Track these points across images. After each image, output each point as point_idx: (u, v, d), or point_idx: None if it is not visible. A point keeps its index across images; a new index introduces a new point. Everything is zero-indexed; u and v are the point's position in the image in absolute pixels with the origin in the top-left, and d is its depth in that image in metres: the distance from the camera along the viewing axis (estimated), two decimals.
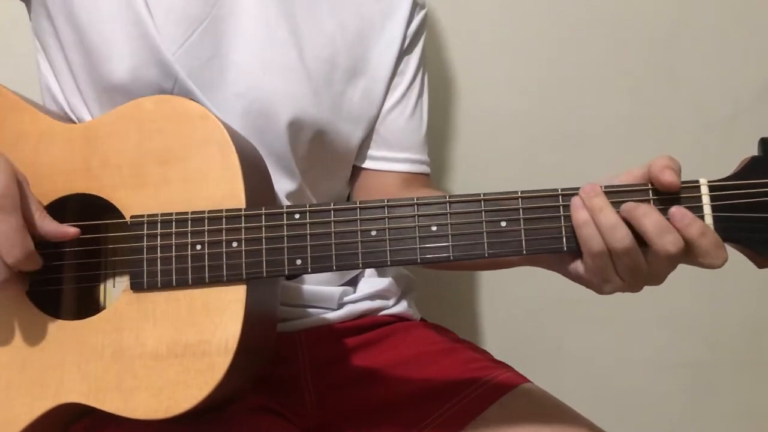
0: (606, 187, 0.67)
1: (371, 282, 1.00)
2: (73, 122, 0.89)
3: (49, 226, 0.73)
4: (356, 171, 1.00)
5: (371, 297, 0.99)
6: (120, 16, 0.84)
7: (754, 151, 1.33)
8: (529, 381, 0.93)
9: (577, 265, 0.69)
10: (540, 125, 1.34)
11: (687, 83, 1.34)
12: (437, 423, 0.88)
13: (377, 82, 0.95)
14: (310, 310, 0.95)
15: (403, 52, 0.97)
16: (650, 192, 0.66)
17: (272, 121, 0.87)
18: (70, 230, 0.74)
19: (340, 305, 0.97)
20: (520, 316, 1.36)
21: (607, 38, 1.33)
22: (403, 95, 0.97)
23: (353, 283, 1.00)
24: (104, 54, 0.84)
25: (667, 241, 0.63)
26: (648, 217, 0.64)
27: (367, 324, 0.98)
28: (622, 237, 0.64)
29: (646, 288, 1.31)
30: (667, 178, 0.65)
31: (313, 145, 0.91)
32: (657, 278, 0.67)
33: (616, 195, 0.66)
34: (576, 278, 0.71)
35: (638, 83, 1.34)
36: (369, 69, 0.94)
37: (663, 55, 1.34)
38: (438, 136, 1.31)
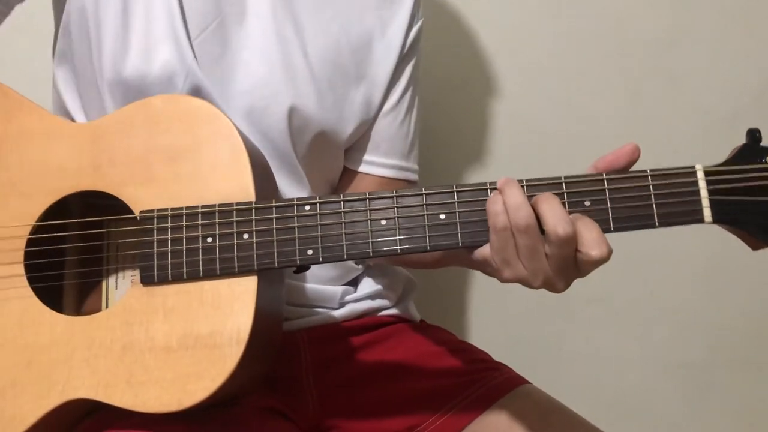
0: (526, 180, 0.77)
1: (372, 281, 1.08)
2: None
3: None
4: (344, 171, 1.08)
5: (372, 296, 1.07)
6: (149, 6, 0.91)
7: None
8: (528, 382, 1.01)
9: (485, 247, 0.77)
10: (540, 125, 1.42)
11: (687, 83, 1.42)
12: (437, 424, 0.96)
13: (377, 87, 1.03)
14: (312, 309, 1.02)
15: (402, 58, 1.05)
16: (563, 185, 0.76)
17: (276, 119, 0.95)
18: None
19: (341, 304, 1.05)
20: (520, 316, 1.43)
21: (608, 39, 1.41)
22: (398, 101, 1.06)
23: (354, 283, 1.08)
24: (124, 43, 0.91)
25: (558, 224, 0.72)
26: (547, 202, 0.74)
27: (368, 324, 1.06)
28: (524, 216, 0.73)
29: (647, 288, 1.41)
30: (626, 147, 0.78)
31: (314, 144, 0.99)
32: (557, 273, 0.75)
33: (533, 188, 0.76)
34: (480, 263, 0.79)
35: (638, 83, 1.42)
36: (370, 74, 1.03)
37: (663, 55, 1.42)
38: (439, 139, 1.38)
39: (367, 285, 1.08)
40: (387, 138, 1.06)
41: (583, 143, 1.42)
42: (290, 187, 0.97)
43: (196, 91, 0.92)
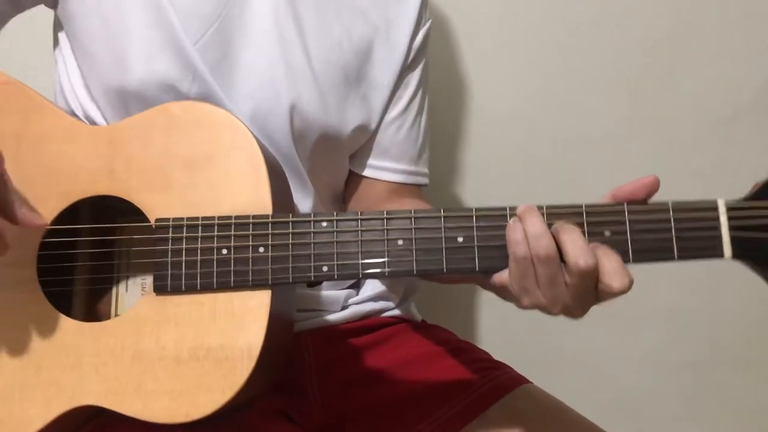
0: (546, 207, 0.74)
1: (374, 284, 1.06)
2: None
3: (19, 210, 0.75)
4: (352, 177, 1.06)
5: (374, 299, 1.06)
6: (144, 16, 0.88)
7: (754, 151, 1.41)
8: (529, 382, 1.00)
9: (503, 273, 0.75)
10: (541, 127, 1.39)
11: (687, 84, 1.40)
12: (438, 423, 0.94)
13: (378, 90, 1.01)
14: (315, 312, 1.01)
15: (407, 66, 1.02)
16: (584, 214, 0.73)
17: (278, 122, 0.92)
18: (38, 220, 0.77)
19: (344, 307, 1.03)
20: (520, 316, 1.38)
21: (608, 40, 1.38)
22: (407, 106, 1.03)
23: (356, 286, 1.06)
24: (122, 53, 0.88)
25: (580, 257, 0.70)
26: (568, 233, 0.71)
27: (370, 325, 1.04)
28: (545, 245, 0.71)
29: (647, 288, 1.39)
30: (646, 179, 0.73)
31: (317, 147, 0.96)
32: (576, 301, 0.73)
33: (553, 216, 0.73)
34: (498, 288, 0.77)
35: (638, 84, 1.40)
36: (370, 76, 1.00)
37: (663, 55, 1.40)
38: (440, 139, 1.35)
39: (370, 287, 1.06)
40: (396, 143, 1.04)
41: (582, 143, 1.40)
42: (294, 192, 0.94)
43: (204, 96, 0.89)
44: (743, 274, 1.41)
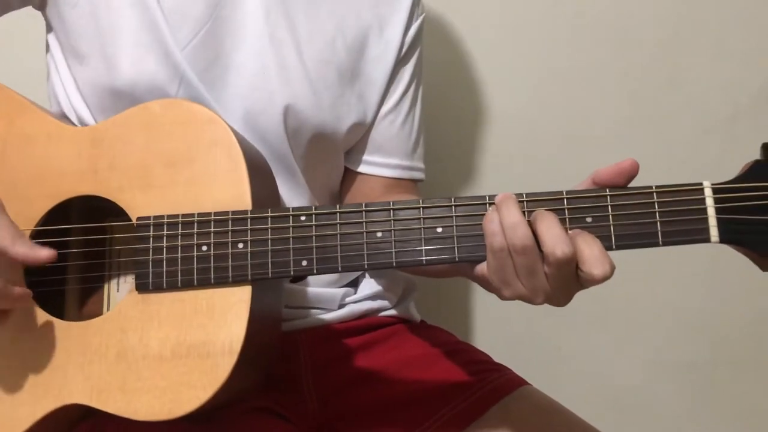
0: (526, 195, 0.70)
1: (372, 283, 1.03)
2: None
3: (20, 249, 0.72)
4: (347, 173, 1.03)
5: (372, 297, 1.02)
6: (133, 17, 0.86)
7: (754, 151, 1.36)
8: (528, 384, 0.96)
9: (484, 264, 0.71)
10: (541, 126, 1.36)
11: (687, 84, 1.37)
12: (438, 425, 0.90)
13: (372, 86, 0.97)
14: (312, 310, 0.97)
15: (401, 59, 0.99)
16: (565, 201, 0.69)
17: (272, 121, 0.89)
18: (41, 254, 0.73)
19: (342, 306, 0.99)
20: (520, 317, 1.38)
21: (608, 39, 1.35)
22: (400, 100, 1.00)
23: (354, 284, 1.03)
24: (112, 55, 0.86)
25: (557, 246, 0.65)
26: (544, 221, 0.67)
27: (368, 325, 1.00)
28: (521, 236, 0.66)
29: (647, 288, 1.35)
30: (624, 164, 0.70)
31: (311, 146, 0.93)
32: (557, 290, 0.69)
33: (533, 204, 0.69)
34: (480, 279, 0.73)
35: (639, 84, 1.36)
36: (365, 72, 0.97)
37: (663, 56, 1.36)
38: (440, 139, 1.33)
39: (368, 286, 1.03)
40: (390, 138, 1.00)
41: (582, 143, 1.36)
42: (288, 192, 0.92)
43: (192, 98, 0.86)
44: (743, 273, 1.36)
